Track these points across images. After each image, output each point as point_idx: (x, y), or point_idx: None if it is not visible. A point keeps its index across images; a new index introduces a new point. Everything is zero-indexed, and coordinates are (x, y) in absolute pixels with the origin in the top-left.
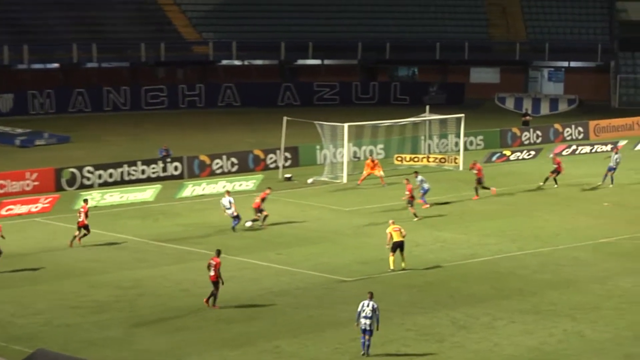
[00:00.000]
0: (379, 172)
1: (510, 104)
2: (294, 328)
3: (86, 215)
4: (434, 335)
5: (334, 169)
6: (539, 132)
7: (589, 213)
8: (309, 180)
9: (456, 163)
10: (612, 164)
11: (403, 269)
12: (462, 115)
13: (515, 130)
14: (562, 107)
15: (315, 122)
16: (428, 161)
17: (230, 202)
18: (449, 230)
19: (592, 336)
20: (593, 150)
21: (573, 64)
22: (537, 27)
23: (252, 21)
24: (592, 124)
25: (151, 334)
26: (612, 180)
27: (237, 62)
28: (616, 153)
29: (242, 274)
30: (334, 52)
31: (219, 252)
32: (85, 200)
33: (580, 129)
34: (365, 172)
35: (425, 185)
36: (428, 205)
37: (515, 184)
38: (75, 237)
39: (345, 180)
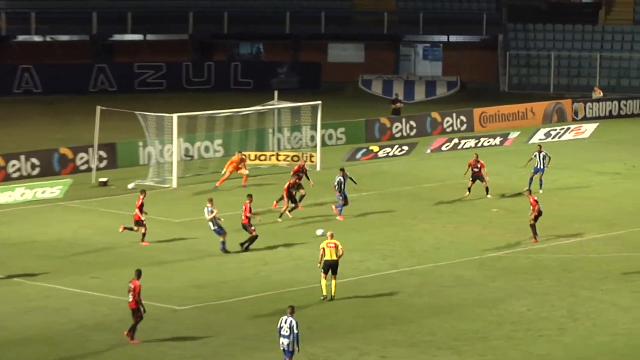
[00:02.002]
0: (245, 170)
1: (377, 88)
2: None
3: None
4: None
5: (160, 170)
6: (412, 123)
7: (475, 221)
8: (130, 185)
9: (312, 162)
10: (539, 165)
11: (331, 298)
12: (319, 102)
13: (384, 120)
14: (441, 91)
15: (137, 112)
16: (278, 159)
17: (211, 214)
18: (305, 245)
19: None
20: (479, 145)
21: (453, 38)
22: None
23: None
24: (477, 112)
25: None
26: (540, 184)
27: (36, 38)
28: (540, 152)
29: (45, 304)
30: (159, 25)
31: (139, 274)
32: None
33: (463, 118)
34: (227, 171)
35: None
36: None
37: (385, 186)
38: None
39: (175, 184)
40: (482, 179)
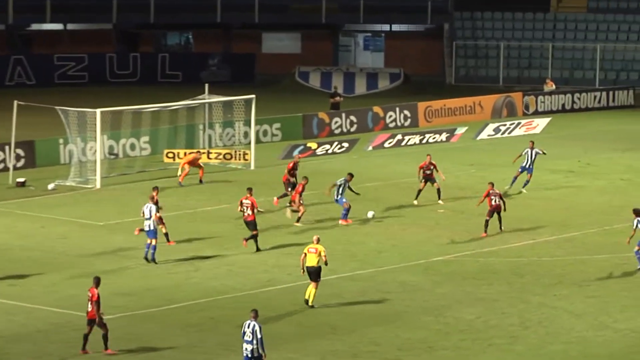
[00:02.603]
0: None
1: (315, 80)
2: None
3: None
4: None
5: (83, 170)
6: (353, 118)
7: (420, 223)
8: (50, 186)
9: (246, 160)
10: (526, 163)
11: (311, 306)
12: (253, 96)
13: (323, 115)
14: (383, 84)
15: (57, 107)
16: (209, 158)
17: (151, 212)
18: (238, 249)
19: None
20: (424, 141)
21: (396, 27)
22: None
23: None
24: (422, 106)
25: None
26: (526, 183)
27: None
28: (532, 148)
29: None
30: (80, 14)
31: (97, 281)
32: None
33: (407, 112)
34: (185, 167)
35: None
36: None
37: (323, 186)
38: None
39: (98, 184)
40: (432, 181)
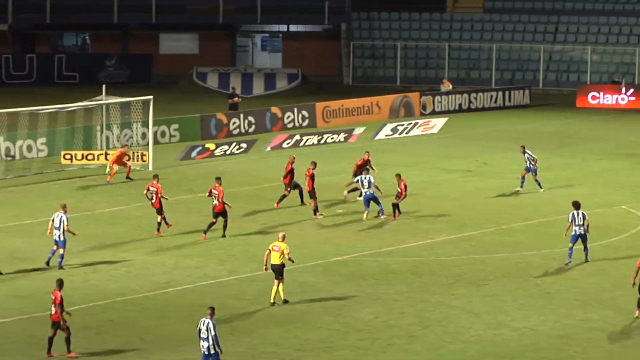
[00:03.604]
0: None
1: (213, 81)
2: None
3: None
4: None
5: None
6: (251, 119)
7: (319, 223)
8: None
9: (144, 161)
10: (528, 164)
11: (285, 300)
12: (151, 97)
13: (221, 116)
14: (281, 84)
15: None
16: (107, 159)
17: (62, 221)
18: (136, 250)
19: None
20: (322, 141)
21: (293, 28)
22: None
23: None
24: (320, 106)
25: None
26: (538, 184)
27: None
28: (524, 152)
29: None
30: None
31: (60, 284)
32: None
33: (305, 113)
34: (114, 166)
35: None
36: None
37: (223, 187)
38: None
39: None
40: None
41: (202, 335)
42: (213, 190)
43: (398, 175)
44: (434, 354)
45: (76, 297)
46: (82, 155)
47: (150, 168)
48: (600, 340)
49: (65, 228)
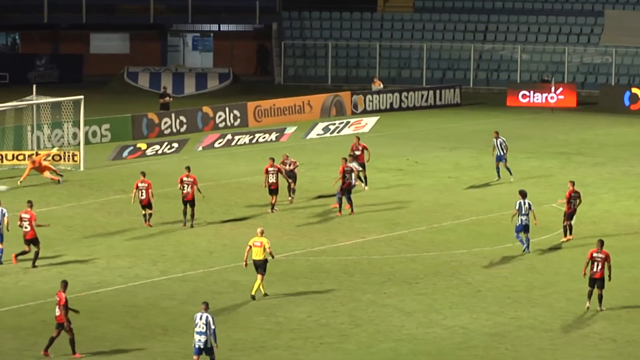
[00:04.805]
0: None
1: (144, 80)
2: None
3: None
4: None
5: None
6: (182, 118)
7: (250, 223)
8: None
9: (75, 161)
10: (498, 152)
11: (265, 294)
12: (81, 97)
13: (152, 116)
14: (213, 84)
15: None
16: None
17: (3, 215)
18: (67, 251)
19: None
20: (254, 140)
21: (224, 27)
22: None
23: None
24: (252, 105)
25: None
26: (509, 171)
27: None
28: (497, 138)
29: None
30: None
31: (65, 285)
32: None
33: (237, 112)
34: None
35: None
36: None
37: (153, 187)
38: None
39: None
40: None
41: (199, 330)
42: (185, 179)
43: (344, 159)
44: (366, 352)
45: (6, 298)
46: (13, 155)
47: (82, 168)
48: (530, 337)
49: (5, 221)
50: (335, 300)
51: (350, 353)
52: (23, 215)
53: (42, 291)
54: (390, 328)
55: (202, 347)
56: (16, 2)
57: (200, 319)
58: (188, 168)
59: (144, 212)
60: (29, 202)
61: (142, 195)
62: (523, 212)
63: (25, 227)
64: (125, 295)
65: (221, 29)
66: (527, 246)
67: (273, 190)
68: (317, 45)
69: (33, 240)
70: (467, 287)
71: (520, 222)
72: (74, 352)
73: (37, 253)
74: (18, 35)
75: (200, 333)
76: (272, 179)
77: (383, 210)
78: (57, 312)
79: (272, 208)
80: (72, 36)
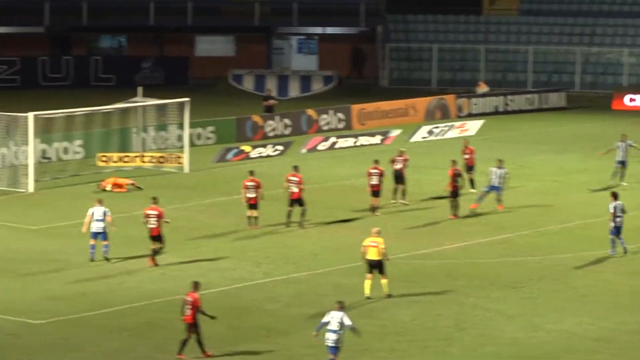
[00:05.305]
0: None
1: (249, 83)
2: None
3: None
4: None
5: (15, 173)
6: (287, 121)
7: (354, 226)
8: None
9: (180, 163)
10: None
11: (368, 298)
12: (187, 99)
13: (257, 118)
14: (317, 86)
15: None
16: (143, 161)
17: (105, 214)
18: (172, 252)
19: None
20: (358, 143)
21: (329, 30)
22: None
23: None
24: (356, 108)
25: None
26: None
27: None
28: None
29: None
30: (11, 17)
31: (196, 286)
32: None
33: (341, 115)
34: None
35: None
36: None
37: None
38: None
39: (31, 188)
40: (471, 169)
41: (332, 328)
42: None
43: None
44: (470, 356)
45: (111, 300)
46: (118, 157)
47: (186, 170)
48: (638, 342)
49: (109, 220)
50: (439, 303)
51: (455, 356)
52: (149, 212)
53: (147, 292)
54: (494, 332)
55: (333, 345)
56: (123, 5)
57: (333, 317)
58: (295, 167)
59: (249, 213)
60: (154, 198)
61: (250, 194)
62: (617, 214)
63: (151, 224)
64: (228, 297)
65: (326, 32)
66: (615, 248)
67: (375, 192)
68: (421, 48)
69: (158, 237)
70: (572, 291)
71: (614, 224)
72: (203, 352)
73: (159, 250)
74: (124, 38)
75: (333, 331)
76: (374, 181)
77: (487, 214)
78: (187, 313)
79: (375, 210)
80: (177, 39)
